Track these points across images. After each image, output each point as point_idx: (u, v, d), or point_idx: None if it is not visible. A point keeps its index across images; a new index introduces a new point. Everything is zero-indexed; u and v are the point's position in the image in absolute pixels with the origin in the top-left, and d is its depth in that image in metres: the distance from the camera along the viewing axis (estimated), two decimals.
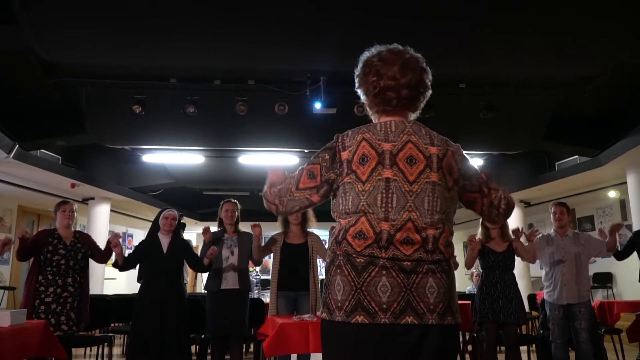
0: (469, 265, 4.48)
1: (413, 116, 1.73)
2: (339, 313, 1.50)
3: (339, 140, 1.64)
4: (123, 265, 4.27)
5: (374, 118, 1.75)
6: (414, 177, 1.55)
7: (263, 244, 4.45)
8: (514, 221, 8.76)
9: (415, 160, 1.57)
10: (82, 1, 4.36)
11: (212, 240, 4.42)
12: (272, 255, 4.49)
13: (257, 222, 4.25)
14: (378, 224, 1.51)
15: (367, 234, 1.51)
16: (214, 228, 4.67)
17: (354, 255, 1.52)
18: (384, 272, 1.49)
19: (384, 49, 1.69)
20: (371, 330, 1.47)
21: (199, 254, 4.58)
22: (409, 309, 1.47)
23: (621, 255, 4.94)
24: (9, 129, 5.93)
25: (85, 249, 4.29)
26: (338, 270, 1.54)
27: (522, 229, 4.59)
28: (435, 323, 1.48)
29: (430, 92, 1.71)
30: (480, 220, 4.56)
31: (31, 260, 4.14)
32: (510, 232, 4.45)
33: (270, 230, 5.53)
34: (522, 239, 4.49)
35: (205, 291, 4.53)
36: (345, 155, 1.60)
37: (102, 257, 4.40)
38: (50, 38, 4.70)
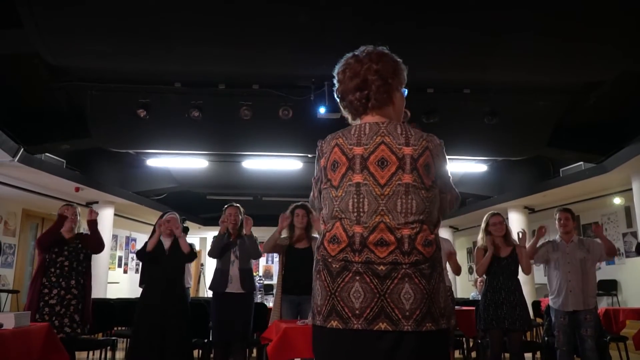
0: (480, 272, 4.42)
1: (394, 111, 1.68)
2: (318, 317, 1.53)
3: (319, 148, 1.69)
4: (147, 253, 4.36)
5: (353, 124, 1.73)
6: (385, 180, 1.54)
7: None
8: (518, 227, 8.70)
9: (386, 162, 1.55)
10: (87, 6, 4.38)
11: (227, 234, 4.51)
12: (276, 259, 4.49)
13: (286, 214, 4.28)
14: (351, 227, 1.53)
15: (341, 238, 1.53)
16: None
17: (329, 260, 1.53)
18: (357, 278, 1.49)
19: (349, 55, 1.73)
20: (345, 335, 1.48)
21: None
22: (382, 315, 1.46)
23: None
24: (14, 133, 5.95)
25: (87, 250, 4.31)
26: (318, 276, 1.57)
27: (523, 231, 4.49)
28: (412, 330, 1.45)
29: (383, 83, 1.64)
30: (482, 226, 4.50)
31: (36, 262, 4.16)
32: (516, 235, 4.42)
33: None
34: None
35: (209, 294, 4.54)
36: (322, 162, 1.66)
37: (92, 243, 4.34)
38: (55, 42, 4.72)
